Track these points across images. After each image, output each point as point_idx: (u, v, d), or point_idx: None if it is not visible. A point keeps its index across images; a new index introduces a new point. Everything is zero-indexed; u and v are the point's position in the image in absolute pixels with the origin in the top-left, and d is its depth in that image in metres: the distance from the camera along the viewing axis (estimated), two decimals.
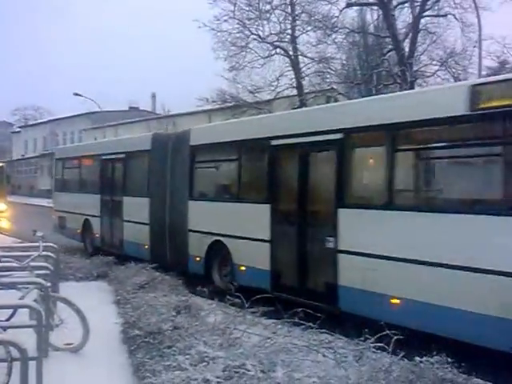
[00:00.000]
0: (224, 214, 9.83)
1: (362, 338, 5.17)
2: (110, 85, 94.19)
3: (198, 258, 10.31)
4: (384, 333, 5.07)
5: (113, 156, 13.53)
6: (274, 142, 8.62)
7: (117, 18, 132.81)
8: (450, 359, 4.59)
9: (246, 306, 6.39)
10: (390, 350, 4.91)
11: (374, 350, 5.00)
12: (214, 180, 11.02)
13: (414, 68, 22.01)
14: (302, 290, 7.94)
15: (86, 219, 14.35)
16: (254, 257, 8.86)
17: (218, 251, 9.84)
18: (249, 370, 4.58)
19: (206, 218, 10.31)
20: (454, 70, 22.09)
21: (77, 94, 39.39)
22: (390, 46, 22.52)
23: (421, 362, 4.62)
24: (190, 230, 10.59)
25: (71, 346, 6.07)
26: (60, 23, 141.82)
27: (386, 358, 4.80)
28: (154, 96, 54.11)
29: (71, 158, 16.43)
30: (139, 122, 41.77)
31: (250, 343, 5.38)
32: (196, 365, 4.81)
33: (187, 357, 5.01)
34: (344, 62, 25.14)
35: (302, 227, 8.06)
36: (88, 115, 49.84)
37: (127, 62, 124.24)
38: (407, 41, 22.19)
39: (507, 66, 20.94)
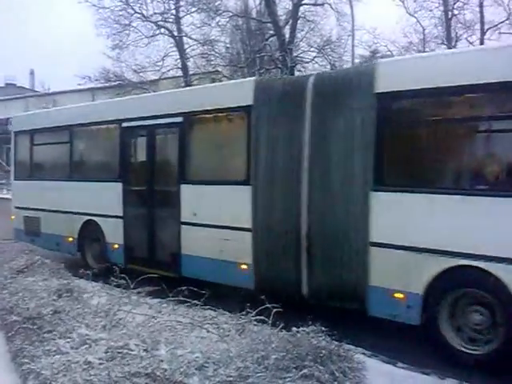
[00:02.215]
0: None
1: (244, 313, 5.39)
2: None
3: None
4: (264, 306, 5.32)
5: (152, 122, 8.80)
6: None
7: None
8: (323, 328, 4.92)
9: (131, 286, 6.39)
10: (269, 322, 5.16)
11: (255, 323, 5.24)
12: None
13: (294, 54, 22.75)
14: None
15: (89, 221, 9.92)
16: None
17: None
18: (132, 350, 4.61)
19: None
20: (330, 58, 23.15)
21: None
22: (272, 32, 23.06)
23: (297, 331, 4.91)
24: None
25: None
26: None
27: (266, 330, 5.04)
28: (32, 73, 50.75)
29: (49, 129, 11.17)
30: (17, 99, 38.97)
31: (134, 323, 5.40)
32: (77, 348, 4.76)
33: (68, 340, 4.96)
34: (228, 45, 25.35)
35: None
36: None
37: (3, 37, 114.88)
38: (288, 27, 22.85)
39: (378, 54, 22.31)
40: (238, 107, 7.56)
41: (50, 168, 11.62)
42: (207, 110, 8.04)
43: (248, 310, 5.40)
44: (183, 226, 8.34)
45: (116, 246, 9.48)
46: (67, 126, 10.60)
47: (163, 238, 8.80)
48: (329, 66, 22.20)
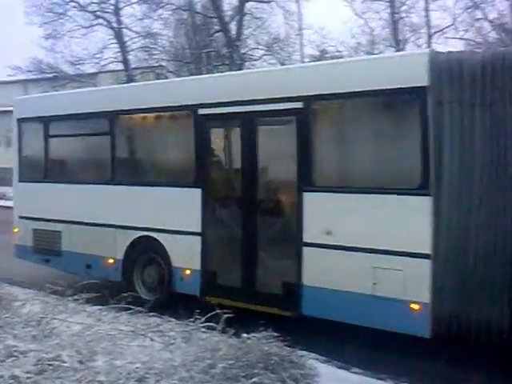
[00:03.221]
0: None
1: (192, 319, 5.07)
2: None
3: None
4: (214, 312, 5.03)
5: (249, 108, 6.74)
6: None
7: None
8: (275, 334, 4.68)
9: (69, 293, 5.88)
10: (219, 328, 4.87)
11: (204, 330, 4.95)
12: None
13: (242, 51, 22.51)
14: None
15: (143, 238, 7.66)
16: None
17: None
18: (65, 362, 4.21)
19: None
20: (279, 56, 23.03)
21: None
22: (217, 27, 22.72)
23: (248, 338, 4.65)
24: None
25: None
26: None
27: (214, 337, 4.77)
28: None
29: (76, 116, 8.50)
30: None
31: (70, 333, 4.96)
32: (3, 361, 4.29)
33: None
34: (172, 39, 24.80)
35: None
36: None
37: None
38: (234, 23, 22.58)
39: (327, 55, 22.37)
40: (400, 89, 5.63)
41: (78, 167, 8.97)
42: (346, 94, 6.02)
43: (197, 316, 5.07)
44: (307, 248, 6.20)
45: (188, 271, 7.21)
46: (108, 112, 8.05)
47: (270, 264, 6.73)
48: (279, 64, 22.07)
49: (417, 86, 5.52)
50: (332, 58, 20.01)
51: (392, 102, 5.96)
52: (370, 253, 5.75)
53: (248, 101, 6.70)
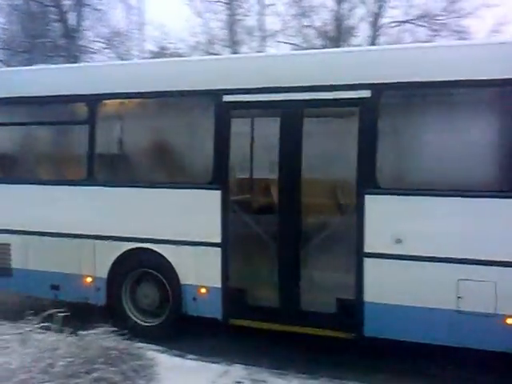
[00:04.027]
0: None
1: (26, 320, 4.99)
2: None
3: None
4: (49, 312, 4.97)
5: (295, 96, 5.71)
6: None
7: None
8: (113, 329, 4.87)
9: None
10: (56, 328, 4.87)
11: (39, 331, 4.91)
12: None
13: (81, 42, 21.73)
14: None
15: (137, 251, 6.33)
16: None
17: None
18: None
19: None
20: (118, 50, 22.60)
21: None
22: (55, 17, 21.67)
23: (86, 335, 4.77)
24: None
25: None
26: None
27: (52, 337, 4.78)
28: None
29: (40, 99, 6.77)
30: None
31: None
32: None
33: None
34: (5, 26, 23.04)
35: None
36: None
37: None
38: (74, 14, 21.72)
39: (166, 51, 22.46)
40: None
41: (38, 163, 7.27)
42: (436, 83, 5.17)
43: (30, 317, 4.99)
44: (369, 259, 5.35)
45: (203, 290, 6.03)
46: (88, 96, 6.51)
47: (319, 278, 5.92)
48: (118, 58, 21.67)
49: None
50: (171, 55, 20.18)
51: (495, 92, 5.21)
52: (455, 263, 5.10)
53: (285, 88, 5.71)
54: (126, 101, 6.56)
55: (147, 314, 6.46)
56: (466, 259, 5.04)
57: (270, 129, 6.35)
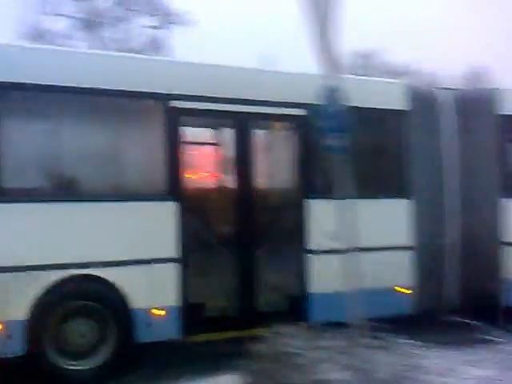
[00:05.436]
0: None
1: None
2: None
3: None
4: None
5: None
6: None
7: None
8: None
9: None
10: None
11: None
12: None
13: None
14: None
15: (71, 280, 5.10)
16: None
17: None
18: None
19: None
20: None
21: None
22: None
23: None
24: None
25: None
26: None
27: None
28: None
29: None
30: None
31: None
32: None
33: None
34: None
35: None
36: None
37: None
38: None
39: None
40: None
41: None
42: None
43: None
44: (311, 255, 5.96)
45: (161, 312, 5.41)
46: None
47: (270, 279, 6.09)
48: None
49: None
50: None
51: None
52: None
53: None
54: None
55: (80, 356, 5.21)
56: None
57: (220, 138, 6.65)
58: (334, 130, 4.65)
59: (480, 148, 6.97)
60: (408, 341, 4.69)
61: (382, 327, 4.43)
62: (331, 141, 4.67)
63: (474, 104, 7.07)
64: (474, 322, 5.79)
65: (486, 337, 5.39)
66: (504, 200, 6.89)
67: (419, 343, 4.78)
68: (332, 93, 4.61)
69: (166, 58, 12.54)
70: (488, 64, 24.61)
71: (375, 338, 4.44)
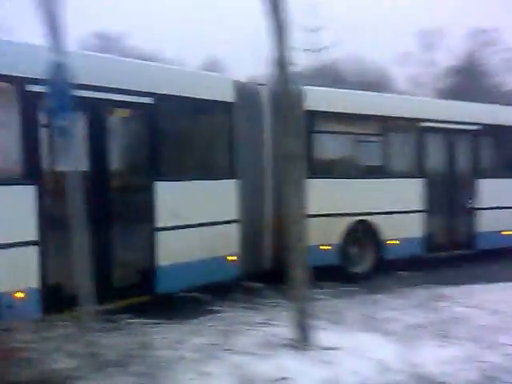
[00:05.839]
0: None
1: None
2: None
3: None
4: None
5: None
6: None
7: None
8: None
9: None
10: None
11: None
12: None
13: None
14: None
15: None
16: None
17: None
18: None
19: None
20: None
21: None
22: None
23: None
24: None
25: None
26: None
27: None
28: None
29: None
30: None
31: None
32: None
33: None
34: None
35: None
36: None
37: None
38: None
39: None
40: None
41: None
42: None
43: None
44: (159, 232, 6.77)
45: (20, 294, 5.46)
46: None
47: (123, 256, 6.69)
48: None
49: None
50: None
51: None
52: None
53: None
54: None
55: None
56: None
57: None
58: (61, 111, 4.50)
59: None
60: (140, 320, 5.00)
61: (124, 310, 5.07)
62: (61, 122, 4.52)
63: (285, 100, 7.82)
64: (257, 284, 6.26)
65: (214, 308, 5.71)
66: None
67: (152, 321, 5.12)
68: (58, 69, 4.40)
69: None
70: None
71: (109, 321, 4.74)
